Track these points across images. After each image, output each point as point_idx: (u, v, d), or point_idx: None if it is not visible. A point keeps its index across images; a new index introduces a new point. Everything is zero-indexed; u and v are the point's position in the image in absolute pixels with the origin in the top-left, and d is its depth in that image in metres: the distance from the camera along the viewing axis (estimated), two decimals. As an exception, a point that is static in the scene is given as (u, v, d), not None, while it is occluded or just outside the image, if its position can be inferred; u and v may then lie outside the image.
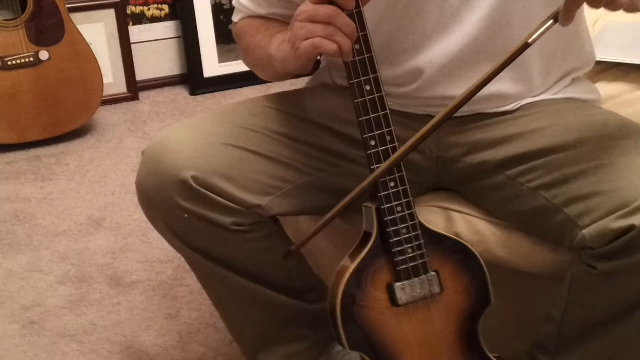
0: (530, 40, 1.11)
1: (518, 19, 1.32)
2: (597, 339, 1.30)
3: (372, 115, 1.23)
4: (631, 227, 1.17)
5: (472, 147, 1.39)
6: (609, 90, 1.71)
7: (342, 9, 1.18)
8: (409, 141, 1.20)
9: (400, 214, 1.26)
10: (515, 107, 1.40)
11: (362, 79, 1.21)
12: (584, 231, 1.22)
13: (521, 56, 1.14)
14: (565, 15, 1.10)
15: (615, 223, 1.18)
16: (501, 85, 1.36)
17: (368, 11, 1.21)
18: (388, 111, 1.23)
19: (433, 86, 1.37)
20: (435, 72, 1.36)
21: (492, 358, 1.36)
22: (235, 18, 1.50)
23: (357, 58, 1.20)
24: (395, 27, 1.34)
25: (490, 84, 1.17)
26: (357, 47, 1.20)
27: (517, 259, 1.40)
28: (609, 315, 1.28)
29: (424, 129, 1.18)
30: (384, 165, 1.22)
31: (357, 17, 1.19)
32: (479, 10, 1.32)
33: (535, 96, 1.41)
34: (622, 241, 1.18)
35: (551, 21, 1.11)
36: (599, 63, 1.70)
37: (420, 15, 1.33)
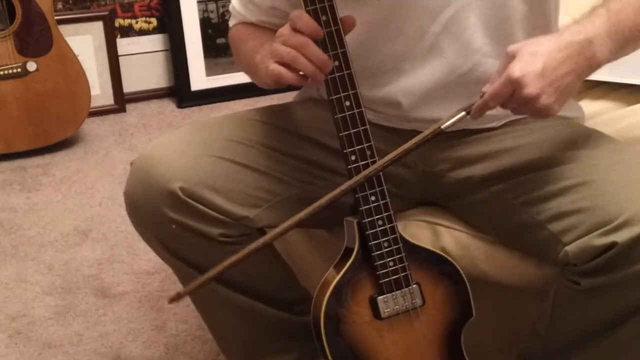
0: (443, 127, 1.18)
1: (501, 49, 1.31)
2: (581, 354, 1.31)
3: (352, 131, 1.25)
4: (613, 244, 1.18)
5: (458, 162, 1.41)
6: (592, 108, 1.72)
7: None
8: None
9: (381, 228, 1.28)
10: (500, 124, 1.41)
11: (342, 94, 1.23)
12: (567, 248, 1.23)
13: None
14: (478, 112, 1.18)
15: (598, 240, 1.19)
16: None
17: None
18: (367, 126, 1.25)
19: (415, 110, 1.38)
20: (416, 99, 1.37)
21: (476, 371, 1.37)
22: (231, 23, 1.53)
23: (336, 74, 1.22)
24: (373, 47, 1.35)
25: None
26: (337, 63, 1.22)
27: (503, 273, 1.41)
28: (592, 331, 1.28)
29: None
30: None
31: (336, 34, 1.21)
32: (461, 39, 1.33)
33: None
34: (605, 258, 1.19)
35: (463, 113, 1.19)
36: (583, 81, 1.71)
37: (396, 39, 1.34)
